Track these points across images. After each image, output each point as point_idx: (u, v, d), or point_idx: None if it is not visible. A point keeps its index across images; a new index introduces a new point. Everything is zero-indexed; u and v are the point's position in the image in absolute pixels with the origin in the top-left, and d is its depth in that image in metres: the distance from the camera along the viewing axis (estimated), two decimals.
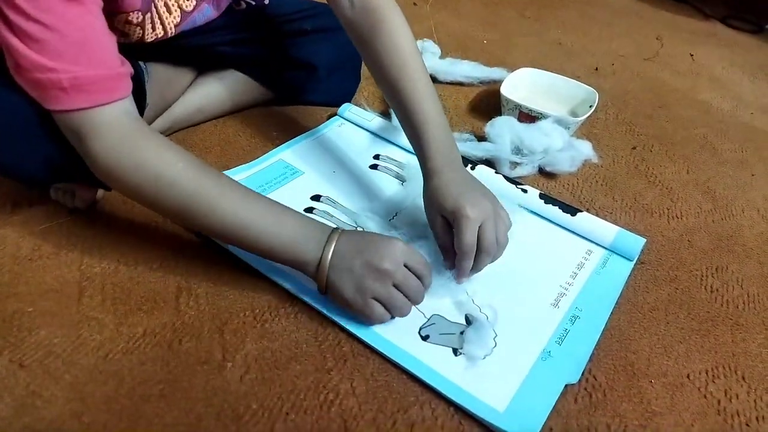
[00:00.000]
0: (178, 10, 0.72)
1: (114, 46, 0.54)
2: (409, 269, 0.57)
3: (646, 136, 0.99)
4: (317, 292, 0.59)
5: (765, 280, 0.73)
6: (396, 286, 0.56)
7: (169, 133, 0.82)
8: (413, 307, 0.59)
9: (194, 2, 0.73)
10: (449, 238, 0.61)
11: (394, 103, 0.68)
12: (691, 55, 1.33)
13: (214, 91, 0.84)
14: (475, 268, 0.61)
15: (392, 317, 0.58)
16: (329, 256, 0.55)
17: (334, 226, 0.60)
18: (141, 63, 0.75)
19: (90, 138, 0.51)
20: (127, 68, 0.54)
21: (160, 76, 0.78)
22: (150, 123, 0.76)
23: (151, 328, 0.57)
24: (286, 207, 0.58)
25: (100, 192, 0.68)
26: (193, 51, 0.81)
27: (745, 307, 0.69)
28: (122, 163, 0.52)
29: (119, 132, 0.52)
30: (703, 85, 1.20)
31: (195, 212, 0.54)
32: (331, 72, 0.88)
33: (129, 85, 0.54)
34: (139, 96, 0.69)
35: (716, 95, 1.16)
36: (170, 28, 0.72)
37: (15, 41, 0.49)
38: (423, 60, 0.69)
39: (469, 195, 0.60)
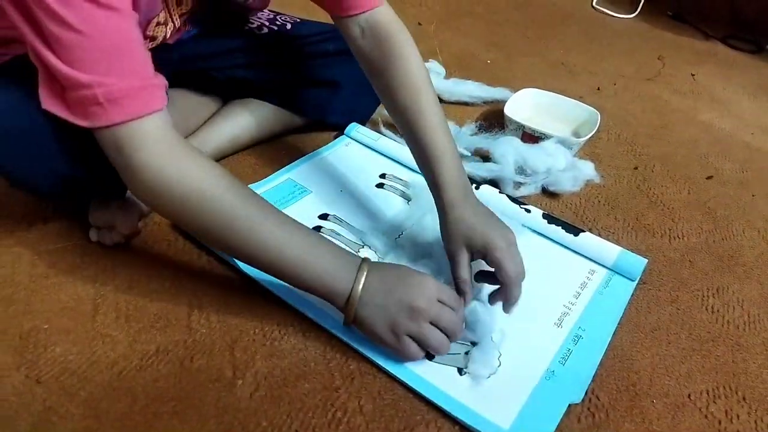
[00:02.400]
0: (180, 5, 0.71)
1: (148, 57, 0.54)
2: (445, 306, 0.57)
3: (647, 156, 1.01)
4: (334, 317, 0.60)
5: (765, 300, 0.74)
6: (431, 323, 0.57)
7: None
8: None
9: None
10: (470, 270, 0.62)
11: (406, 133, 0.69)
12: (693, 75, 1.34)
13: (244, 121, 0.85)
14: (512, 298, 0.62)
15: (430, 355, 0.59)
16: (359, 291, 0.56)
17: (362, 256, 0.59)
18: None
19: (132, 151, 0.51)
20: (161, 80, 0.54)
21: (183, 102, 0.80)
22: None
23: (163, 346, 0.58)
24: (320, 236, 0.59)
25: (141, 223, 0.69)
26: (215, 76, 0.83)
27: (746, 327, 0.70)
28: (165, 175, 0.52)
29: (161, 144, 0.52)
30: (704, 105, 1.22)
31: (233, 232, 0.54)
32: (354, 91, 0.88)
33: (164, 97, 0.54)
34: None
35: (717, 115, 1.18)
36: (179, 21, 0.72)
37: (49, 55, 0.49)
38: (434, 90, 0.70)
39: (494, 227, 0.62)
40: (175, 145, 0.53)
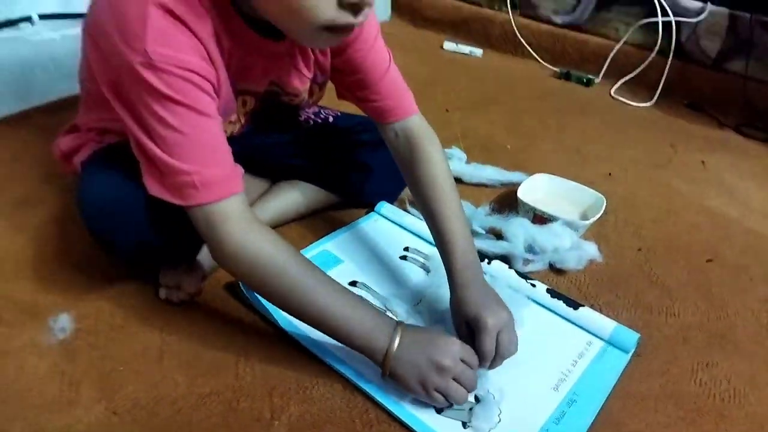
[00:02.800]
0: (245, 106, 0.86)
1: (230, 151, 0.67)
2: (467, 365, 0.68)
3: (651, 239, 1.10)
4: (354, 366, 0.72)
5: (753, 377, 0.81)
6: (454, 379, 0.67)
7: None
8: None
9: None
10: (472, 341, 0.73)
11: (427, 218, 0.83)
12: (703, 162, 1.43)
13: (291, 199, 0.99)
14: (492, 367, 0.73)
15: (438, 409, 0.69)
16: (395, 349, 0.66)
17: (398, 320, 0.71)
18: None
19: (218, 225, 0.64)
20: (240, 169, 0.68)
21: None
22: None
23: (215, 389, 0.69)
24: (362, 299, 0.71)
25: (202, 284, 0.81)
26: (268, 164, 0.98)
27: (731, 400, 0.77)
28: (244, 245, 0.64)
29: (241, 220, 0.65)
30: (712, 192, 1.30)
31: (294, 296, 0.66)
32: (384, 175, 1.01)
33: (242, 183, 0.67)
34: None
35: (723, 201, 1.26)
36: (243, 120, 0.87)
37: (155, 149, 0.62)
38: (455, 186, 0.84)
39: (488, 306, 0.73)
40: (251, 221, 0.67)
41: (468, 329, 0.74)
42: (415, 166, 0.83)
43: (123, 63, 0.60)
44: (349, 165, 1.02)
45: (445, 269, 0.79)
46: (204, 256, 0.81)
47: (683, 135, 1.58)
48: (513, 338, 0.73)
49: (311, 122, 1.02)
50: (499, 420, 0.69)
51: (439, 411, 0.69)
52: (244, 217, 0.66)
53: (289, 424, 0.66)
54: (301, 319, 0.69)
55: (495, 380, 0.73)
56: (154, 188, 0.65)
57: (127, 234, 0.72)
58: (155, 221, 0.70)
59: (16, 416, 0.64)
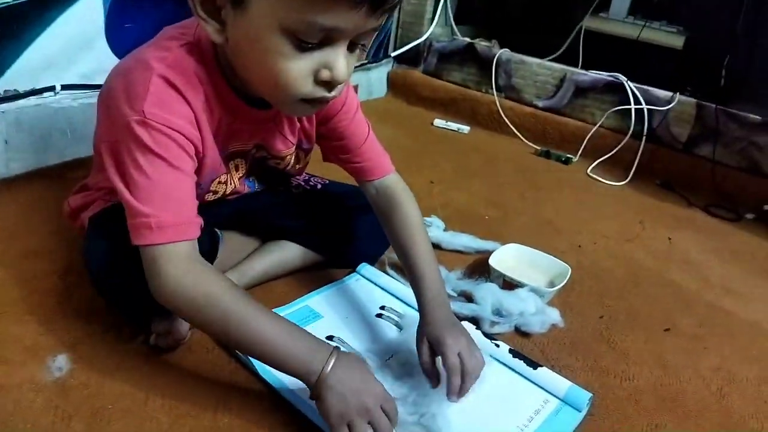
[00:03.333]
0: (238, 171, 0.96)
1: (195, 205, 0.74)
2: (384, 411, 0.71)
3: (613, 308, 1.17)
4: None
5: None
6: (370, 423, 0.70)
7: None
8: None
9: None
10: (432, 361, 0.82)
11: (403, 262, 0.94)
12: (669, 239, 1.52)
13: (277, 257, 1.07)
14: (463, 388, 0.79)
15: None
16: (327, 371, 0.69)
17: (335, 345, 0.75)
18: (218, 231, 1.02)
19: (161, 264, 0.69)
20: (199, 221, 0.75)
21: (232, 241, 1.04)
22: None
23: (194, 430, 0.75)
24: (300, 328, 0.74)
25: (189, 332, 0.88)
26: (258, 224, 1.08)
27: None
28: (183, 283, 0.69)
29: (185, 262, 0.70)
30: (676, 267, 1.38)
31: (230, 326, 0.70)
32: (366, 239, 1.11)
33: (197, 232, 0.73)
34: (212, 253, 0.92)
35: (686, 276, 1.34)
36: (237, 183, 0.96)
37: (126, 193, 0.70)
38: (426, 231, 0.96)
39: (450, 330, 0.82)
40: (195, 263, 0.72)
41: (430, 352, 0.82)
42: (392, 214, 0.95)
43: (122, 121, 0.70)
44: (334, 228, 1.11)
45: (416, 298, 0.89)
46: None
47: (653, 212, 1.68)
48: (477, 357, 0.81)
49: (301, 189, 1.12)
50: None
51: None
52: (188, 260, 0.71)
53: None
54: (238, 348, 0.75)
55: (455, 430, 0.79)
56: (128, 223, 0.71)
57: (125, 288, 0.80)
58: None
59: None
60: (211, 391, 0.82)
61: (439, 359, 0.82)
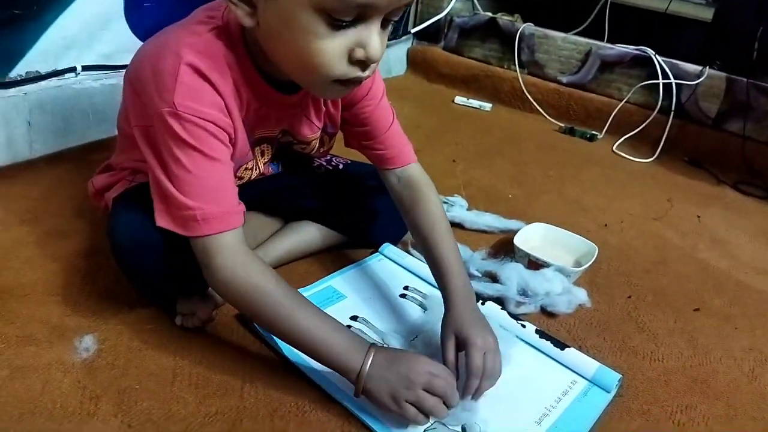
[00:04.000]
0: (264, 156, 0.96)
1: (235, 192, 0.76)
2: (435, 376, 0.72)
3: (641, 288, 1.15)
4: (351, 394, 0.76)
5: (729, 420, 0.85)
6: (425, 390, 0.71)
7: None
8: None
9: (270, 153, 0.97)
10: (456, 357, 0.80)
11: (426, 254, 0.92)
12: (698, 217, 1.49)
13: (300, 238, 1.07)
14: (479, 390, 0.78)
15: (429, 417, 0.74)
16: (367, 368, 0.71)
17: (372, 342, 0.78)
18: None
19: (214, 255, 0.72)
20: (241, 208, 0.76)
21: (255, 222, 1.03)
22: None
23: (221, 409, 0.75)
24: (340, 324, 0.76)
25: (214, 313, 0.88)
26: (281, 205, 1.07)
27: None
28: (234, 273, 0.72)
29: (234, 252, 0.73)
30: (705, 245, 1.35)
31: (276, 318, 0.73)
32: (389, 219, 1.08)
33: (241, 220, 0.75)
34: None
35: (715, 254, 1.31)
36: (262, 167, 0.96)
37: (169, 186, 0.71)
38: (448, 223, 0.93)
39: (479, 329, 0.80)
40: (244, 253, 0.74)
41: (456, 347, 0.80)
42: (414, 205, 0.93)
43: (156, 111, 0.71)
44: (357, 208, 1.10)
45: (441, 292, 0.87)
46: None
47: (681, 190, 1.64)
48: (498, 361, 0.79)
49: (323, 169, 1.11)
50: None
51: None
52: (237, 249, 0.73)
53: None
54: (284, 339, 0.76)
55: (481, 412, 0.78)
56: (163, 220, 0.74)
57: (149, 262, 0.80)
58: (174, 256, 0.78)
59: (40, 427, 0.71)
60: (237, 370, 0.82)
61: (461, 355, 0.80)
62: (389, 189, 0.96)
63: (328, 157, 1.13)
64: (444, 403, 0.73)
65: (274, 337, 0.83)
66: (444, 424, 0.76)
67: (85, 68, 1.34)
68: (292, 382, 0.81)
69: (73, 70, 1.32)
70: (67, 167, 1.28)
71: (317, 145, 0.98)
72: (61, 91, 1.31)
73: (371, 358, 0.73)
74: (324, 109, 0.92)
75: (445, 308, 0.85)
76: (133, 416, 0.73)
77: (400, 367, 0.73)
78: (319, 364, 0.76)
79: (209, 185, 0.73)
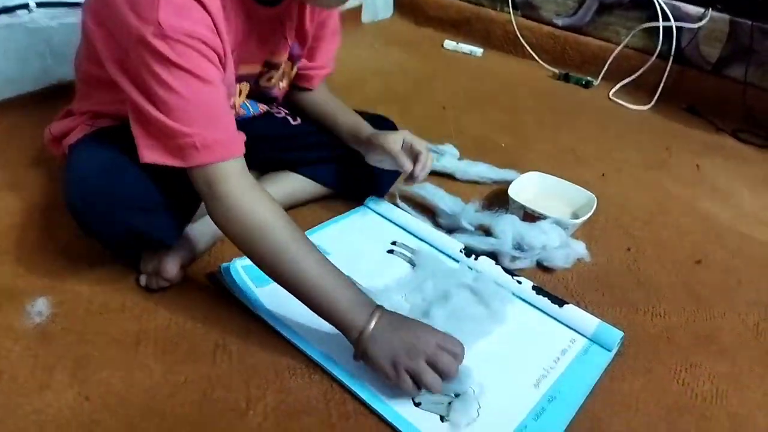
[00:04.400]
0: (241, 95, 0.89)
1: (233, 119, 0.70)
2: (442, 351, 0.67)
3: (641, 240, 1.09)
4: (336, 359, 0.71)
5: (736, 378, 0.81)
6: (428, 363, 0.66)
7: None
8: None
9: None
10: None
11: (327, 125, 1.00)
12: (697, 166, 1.42)
13: (281, 189, 0.97)
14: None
15: (424, 391, 0.68)
16: (371, 327, 0.66)
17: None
18: None
19: (217, 184, 0.67)
20: (242, 136, 0.71)
21: None
22: None
23: (190, 377, 0.69)
24: (348, 278, 0.70)
25: (182, 272, 0.80)
26: (258, 156, 0.97)
27: (713, 401, 0.77)
28: (239, 205, 0.67)
29: (240, 181, 0.68)
30: (705, 195, 1.29)
31: (280, 261, 0.68)
32: (375, 171, 1.02)
33: (243, 148, 0.70)
34: None
35: (716, 205, 1.26)
36: (238, 107, 0.89)
37: (157, 114, 0.64)
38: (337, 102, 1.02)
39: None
40: (251, 184, 0.69)
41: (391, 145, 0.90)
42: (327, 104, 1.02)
43: (133, 36, 0.62)
44: (340, 159, 1.02)
45: (349, 138, 0.97)
46: (183, 244, 0.81)
47: (679, 138, 1.57)
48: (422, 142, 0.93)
49: (299, 120, 1.03)
50: (478, 415, 0.68)
51: (417, 404, 0.69)
52: (243, 178, 0.69)
53: (265, 413, 0.66)
54: (285, 286, 0.70)
55: (476, 375, 0.72)
56: (153, 154, 0.67)
57: (109, 212, 0.71)
58: (139, 207, 0.70)
59: None
60: (208, 334, 0.75)
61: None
62: (305, 105, 1.02)
63: (287, 111, 1.04)
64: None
65: (250, 296, 0.77)
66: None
67: (39, 5, 1.21)
68: (270, 345, 0.74)
69: (25, 6, 1.19)
70: (23, 115, 1.17)
71: (281, 77, 0.93)
72: (14, 31, 1.19)
73: (377, 318, 0.67)
74: (298, 26, 0.89)
75: (363, 141, 0.95)
76: (90, 387, 0.66)
77: (407, 334, 0.67)
78: (300, 323, 0.71)
79: (205, 110, 0.66)
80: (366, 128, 0.96)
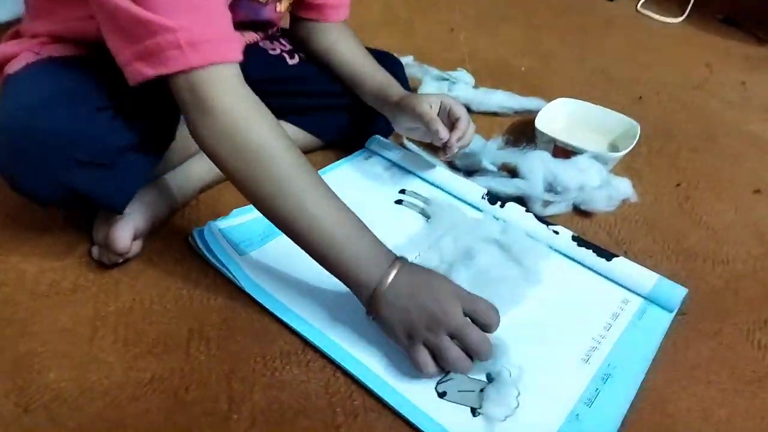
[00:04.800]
0: None
1: (229, 17, 0.56)
2: (473, 319, 0.54)
3: (691, 172, 0.94)
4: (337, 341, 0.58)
5: None
6: (452, 337, 0.53)
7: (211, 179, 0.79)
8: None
9: None
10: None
11: (347, 80, 0.83)
12: (743, 83, 1.26)
13: None
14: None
15: (446, 372, 0.55)
16: (387, 284, 0.53)
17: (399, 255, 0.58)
18: None
19: (206, 93, 0.52)
20: (240, 37, 0.57)
21: None
22: (177, 165, 0.75)
23: (159, 374, 0.55)
24: (362, 223, 0.57)
25: (137, 243, 0.66)
26: None
27: None
28: (233, 120, 0.53)
29: (235, 92, 0.54)
30: (754, 116, 1.13)
31: (283, 193, 0.54)
32: (370, 114, 0.87)
33: (240, 53, 0.55)
34: (172, 128, 0.67)
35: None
36: None
37: (132, 6, 0.50)
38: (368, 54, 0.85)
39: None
40: (248, 97, 0.55)
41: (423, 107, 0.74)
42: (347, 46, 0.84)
43: None
44: (343, 109, 0.87)
45: (364, 97, 0.82)
46: (141, 206, 0.66)
47: (719, 53, 1.41)
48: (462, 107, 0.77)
49: (297, 58, 0.86)
50: (517, 404, 0.55)
51: (441, 395, 0.55)
52: (239, 90, 0.55)
53: (252, 417, 0.53)
54: (281, 226, 0.56)
55: (512, 354, 0.58)
56: (127, 64, 0.53)
57: (41, 164, 0.56)
58: (82, 148, 0.56)
59: None
60: (181, 318, 0.61)
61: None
62: (317, 47, 0.84)
63: (286, 47, 0.86)
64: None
65: (231, 266, 0.63)
66: (467, 375, 0.57)
67: None
68: (257, 327, 0.61)
69: None
70: None
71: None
72: None
73: (394, 273, 0.54)
74: None
75: (392, 103, 0.78)
76: (32, 395, 0.53)
77: (428, 299, 0.53)
78: (301, 298, 0.59)
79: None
80: (396, 89, 0.79)
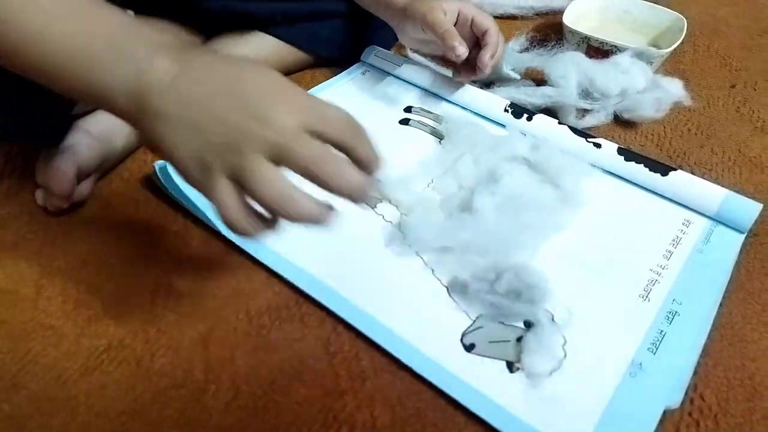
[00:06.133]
0: None
1: None
2: (319, 135, 0.34)
3: (746, 71, 0.80)
4: (337, 284, 0.47)
5: None
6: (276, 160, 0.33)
7: None
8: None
9: None
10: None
11: None
12: None
13: (244, 54, 0.68)
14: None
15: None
16: (163, 83, 0.33)
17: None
18: (130, 12, 0.61)
19: None
20: None
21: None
22: None
23: (117, 340, 0.45)
24: (114, 7, 0.37)
25: (88, 184, 0.54)
26: (211, 8, 0.66)
27: None
28: None
29: None
30: None
31: None
32: (369, 22, 0.74)
33: None
34: None
35: None
36: None
37: None
38: None
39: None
40: None
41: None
42: None
43: None
44: (322, 10, 0.72)
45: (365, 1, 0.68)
46: (83, 138, 0.54)
47: None
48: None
49: None
50: (564, 354, 0.44)
51: (468, 348, 0.44)
52: None
53: (234, 388, 0.42)
54: (13, 64, 0.37)
55: (554, 293, 0.47)
56: None
57: None
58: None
59: None
60: (144, 270, 0.50)
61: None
62: None
63: None
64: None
65: (204, 205, 0.51)
66: (500, 322, 0.46)
67: None
68: (237, 276, 0.49)
69: None
70: None
71: None
72: None
73: (166, 67, 0.34)
74: None
75: (396, 9, 0.64)
76: None
77: (233, 104, 0.33)
78: (287, 237, 0.39)
79: None
80: None
